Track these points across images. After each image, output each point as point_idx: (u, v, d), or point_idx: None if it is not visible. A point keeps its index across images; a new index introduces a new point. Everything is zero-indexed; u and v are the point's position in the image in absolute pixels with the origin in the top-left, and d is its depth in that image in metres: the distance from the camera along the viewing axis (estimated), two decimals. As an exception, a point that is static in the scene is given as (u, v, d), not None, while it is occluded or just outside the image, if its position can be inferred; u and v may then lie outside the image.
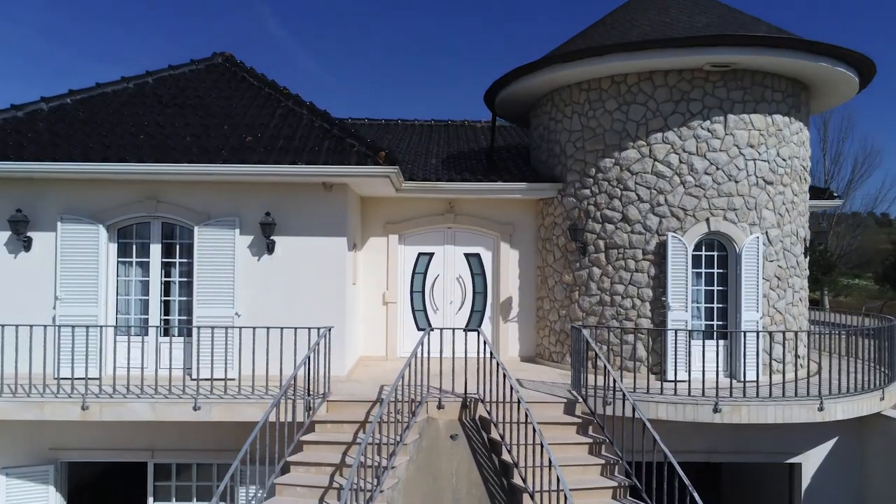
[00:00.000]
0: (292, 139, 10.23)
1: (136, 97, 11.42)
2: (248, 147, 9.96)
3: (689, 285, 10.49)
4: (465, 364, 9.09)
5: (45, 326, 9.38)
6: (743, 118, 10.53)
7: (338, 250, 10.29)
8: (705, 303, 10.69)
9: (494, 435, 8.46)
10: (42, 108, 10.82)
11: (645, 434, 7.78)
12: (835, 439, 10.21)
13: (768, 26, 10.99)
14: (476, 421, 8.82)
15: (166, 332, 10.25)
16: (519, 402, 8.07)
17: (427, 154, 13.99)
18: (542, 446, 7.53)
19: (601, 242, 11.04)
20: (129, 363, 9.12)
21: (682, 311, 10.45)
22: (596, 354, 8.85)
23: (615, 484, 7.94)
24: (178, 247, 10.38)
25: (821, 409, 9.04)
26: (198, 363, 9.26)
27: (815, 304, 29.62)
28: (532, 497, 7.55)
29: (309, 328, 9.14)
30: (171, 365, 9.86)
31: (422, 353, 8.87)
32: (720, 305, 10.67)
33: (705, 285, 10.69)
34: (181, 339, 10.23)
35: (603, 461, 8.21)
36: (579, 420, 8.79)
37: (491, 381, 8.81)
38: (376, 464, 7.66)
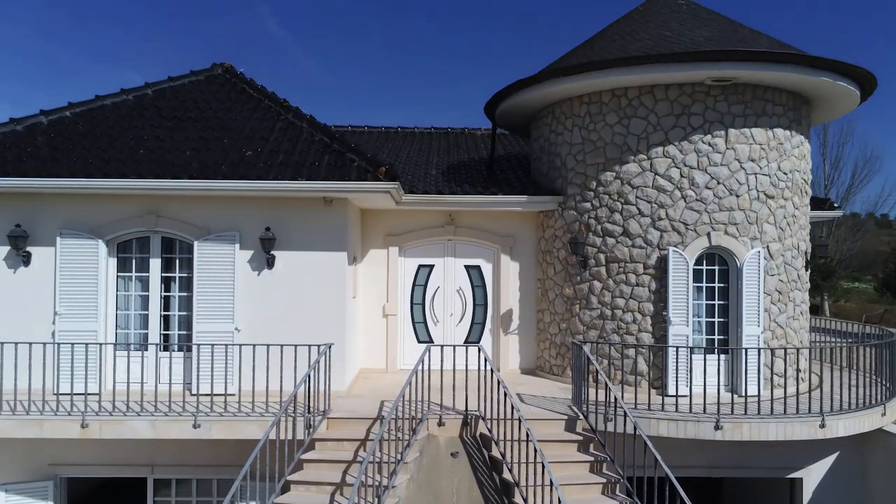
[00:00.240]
0: (292, 153, 10.20)
1: (135, 110, 11.40)
2: (248, 162, 9.94)
3: (690, 299, 10.47)
4: (466, 377, 9.08)
5: (45, 344, 9.31)
6: (744, 132, 10.51)
7: (338, 265, 10.27)
8: (706, 317, 10.67)
9: (495, 453, 8.43)
10: (41, 121, 10.80)
11: (646, 451, 7.77)
12: (836, 454, 10.20)
13: (769, 39, 10.97)
14: (477, 438, 8.80)
15: (166, 347, 10.23)
16: (520, 420, 8.05)
17: (427, 164, 13.97)
18: (543, 465, 7.51)
19: (602, 256, 11.02)
20: (128, 378, 9.11)
21: (682, 325, 10.43)
22: (597, 371, 8.83)
23: (616, 503, 7.93)
24: (177, 261, 10.35)
25: (822, 425, 9.02)
26: (198, 379, 9.24)
27: (814, 310, 29.59)
28: (533, 517, 7.52)
29: (309, 346, 9.13)
30: (170, 380, 9.85)
31: (422, 368, 8.85)
32: (721, 319, 10.65)
33: (706, 299, 10.67)
34: (181, 353, 10.21)
35: (604, 480, 8.19)
36: (580, 438, 8.76)
37: (491, 397, 8.78)
38: (377, 483, 7.64)
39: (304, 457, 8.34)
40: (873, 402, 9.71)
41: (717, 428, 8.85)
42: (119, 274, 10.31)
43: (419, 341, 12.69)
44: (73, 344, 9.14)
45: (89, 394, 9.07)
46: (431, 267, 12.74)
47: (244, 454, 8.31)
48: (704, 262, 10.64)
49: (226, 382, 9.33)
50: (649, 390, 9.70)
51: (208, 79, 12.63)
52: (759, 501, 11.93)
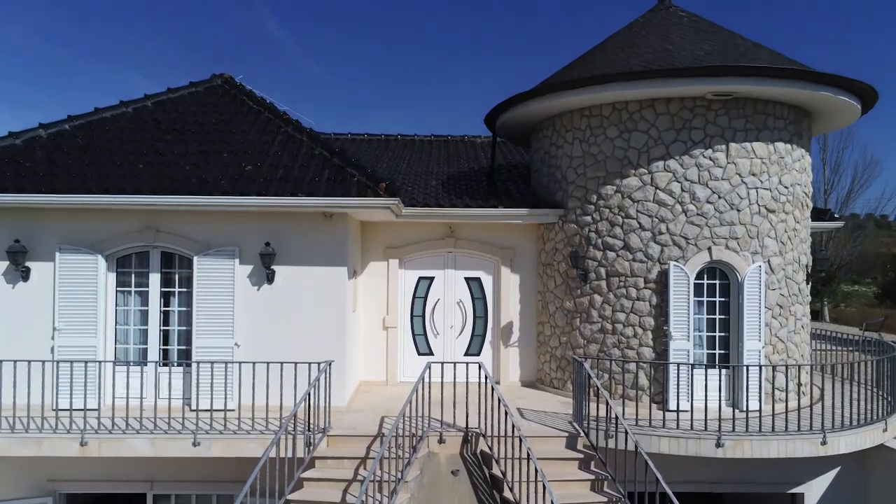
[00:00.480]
0: (292, 168, 10.17)
1: (135, 122, 11.36)
2: (248, 177, 9.91)
3: (691, 314, 10.44)
4: (467, 390, 9.05)
5: (44, 362, 9.26)
6: (745, 146, 10.49)
7: (338, 279, 10.24)
8: (707, 331, 10.65)
9: (496, 471, 8.40)
10: (40, 134, 10.76)
11: (647, 469, 7.73)
12: (837, 469, 10.17)
13: (769, 52, 10.94)
14: (477, 455, 8.77)
15: (165, 363, 10.19)
16: (521, 439, 8.02)
17: (427, 175, 13.94)
18: (544, 485, 7.47)
19: (602, 270, 10.99)
20: (128, 393, 9.09)
21: (683, 339, 10.40)
22: (598, 387, 8.81)
23: (618, 523, 7.90)
24: (177, 276, 10.32)
25: (824, 442, 9.00)
26: (197, 394, 9.22)
27: (814, 315, 29.54)
28: (534, 538, 7.49)
29: (309, 363, 9.09)
30: (170, 395, 9.81)
31: (422, 382, 8.82)
32: (722, 334, 10.63)
33: (707, 314, 10.64)
34: (180, 368, 10.17)
35: (605, 499, 8.16)
36: (581, 456, 8.73)
37: (492, 414, 8.76)
38: (378, 502, 7.61)
39: (305, 475, 8.31)
40: (875, 417, 9.68)
41: (718, 445, 8.83)
42: (118, 289, 10.28)
43: (419, 353, 12.66)
44: (72, 361, 9.11)
45: (89, 409, 9.05)
46: (431, 279, 12.71)
47: (244, 470, 8.28)
48: (705, 276, 10.62)
49: (225, 398, 9.29)
50: (650, 405, 9.68)
51: (208, 90, 12.59)
52: (760, 515, 11.88)
